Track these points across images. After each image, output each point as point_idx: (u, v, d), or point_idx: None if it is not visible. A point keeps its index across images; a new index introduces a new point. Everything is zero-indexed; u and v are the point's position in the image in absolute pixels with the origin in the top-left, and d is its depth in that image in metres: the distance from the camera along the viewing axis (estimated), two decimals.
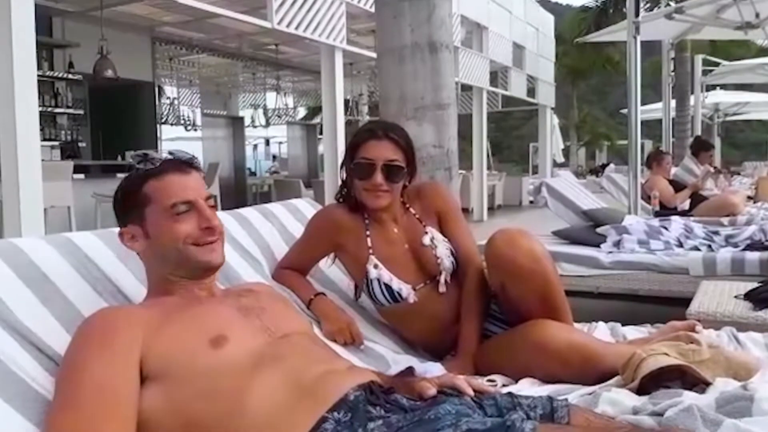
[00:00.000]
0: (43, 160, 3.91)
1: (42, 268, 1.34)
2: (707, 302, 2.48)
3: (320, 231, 1.95)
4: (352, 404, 1.10)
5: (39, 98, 3.96)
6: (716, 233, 3.99)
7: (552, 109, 14.23)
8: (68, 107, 8.43)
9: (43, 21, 7.88)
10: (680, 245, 3.80)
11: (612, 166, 13.50)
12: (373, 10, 3.37)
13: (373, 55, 2.90)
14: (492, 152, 15.28)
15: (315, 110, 17.48)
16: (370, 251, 1.85)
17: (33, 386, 1.15)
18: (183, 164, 1.34)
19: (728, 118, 17.31)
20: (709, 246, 3.79)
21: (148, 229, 1.31)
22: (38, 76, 3.85)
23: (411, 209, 1.95)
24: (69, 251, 1.42)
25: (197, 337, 1.17)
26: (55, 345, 1.24)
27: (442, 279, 1.87)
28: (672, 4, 11.67)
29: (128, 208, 1.33)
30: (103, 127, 9.12)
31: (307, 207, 2.32)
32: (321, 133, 8.24)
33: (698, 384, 1.39)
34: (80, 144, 8.58)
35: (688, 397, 1.28)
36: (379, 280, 1.83)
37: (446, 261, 1.87)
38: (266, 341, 1.22)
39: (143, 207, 1.30)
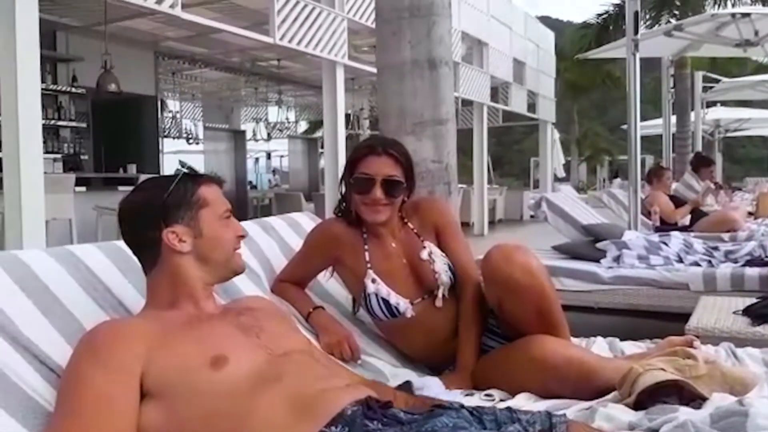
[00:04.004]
0: (45, 173, 3.93)
1: (43, 280, 1.35)
2: (706, 318, 2.49)
3: (319, 245, 1.96)
4: (349, 419, 1.10)
5: (42, 111, 4.00)
6: (716, 249, 4.00)
7: (553, 124, 14.28)
8: (71, 120, 8.46)
9: (48, 35, 7.94)
10: (680, 261, 3.80)
11: (618, 180, 13.54)
12: (374, 26, 3.41)
13: (375, 70, 2.92)
14: (493, 167, 15.27)
15: (316, 124, 17.54)
16: (368, 265, 1.87)
17: (34, 397, 1.16)
18: (219, 179, 1.46)
19: (729, 134, 17.35)
20: (709, 261, 3.79)
21: (203, 230, 1.33)
22: (42, 89, 3.88)
23: (409, 224, 1.96)
24: (70, 263, 1.43)
25: (197, 356, 1.18)
26: (56, 356, 1.24)
27: (439, 294, 1.87)
28: (672, 21, 11.78)
29: (180, 208, 1.33)
30: (106, 140, 9.15)
31: (306, 221, 2.34)
32: (322, 147, 8.26)
33: (695, 399, 1.40)
34: (82, 157, 8.63)
35: (684, 412, 1.28)
36: (376, 295, 1.84)
37: (444, 276, 1.88)
38: (266, 360, 1.23)
39: (199, 209, 1.34)
